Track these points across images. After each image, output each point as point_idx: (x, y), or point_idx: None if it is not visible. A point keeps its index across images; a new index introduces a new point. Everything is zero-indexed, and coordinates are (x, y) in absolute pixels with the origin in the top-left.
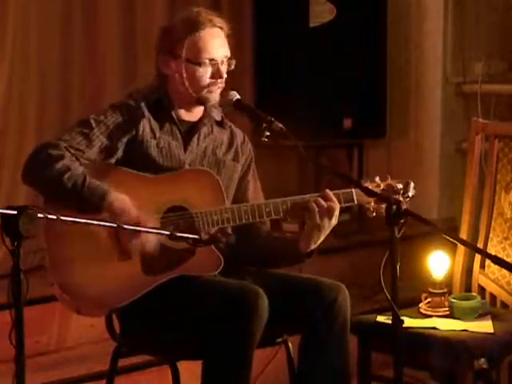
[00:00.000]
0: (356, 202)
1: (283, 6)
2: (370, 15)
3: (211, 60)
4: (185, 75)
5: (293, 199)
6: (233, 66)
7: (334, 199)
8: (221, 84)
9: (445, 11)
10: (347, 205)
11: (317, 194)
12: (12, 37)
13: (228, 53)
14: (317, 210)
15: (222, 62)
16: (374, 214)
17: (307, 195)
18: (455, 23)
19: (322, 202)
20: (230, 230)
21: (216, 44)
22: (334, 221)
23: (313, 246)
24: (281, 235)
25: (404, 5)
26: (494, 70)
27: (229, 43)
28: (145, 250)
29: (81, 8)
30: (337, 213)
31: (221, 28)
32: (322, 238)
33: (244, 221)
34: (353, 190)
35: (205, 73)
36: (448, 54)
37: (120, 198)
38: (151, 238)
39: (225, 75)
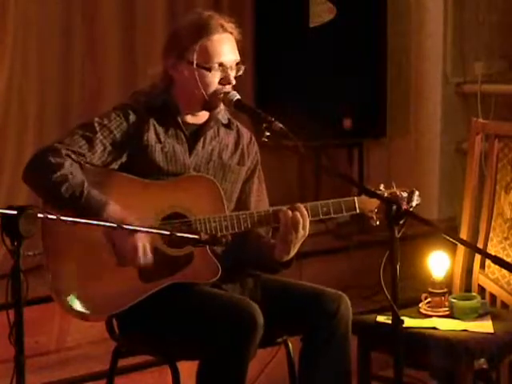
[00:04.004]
0: (358, 210)
1: (283, 7)
2: (370, 15)
3: (220, 64)
4: (195, 79)
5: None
6: (241, 72)
7: (303, 211)
8: (228, 90)
9: (445, 11)
10: (349, 213)
11: (287, 206)
12: (12, 37)
13: (237, 58)
14: (283, 221)
15: (231, 67)
16: (378, 223)
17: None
18: (455, 23)
19: (288, 214)
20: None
21: (226, 49)
22: (302, 233)
23: (285, 258)
24: (265, 241)
25: (404, 5)
26: (494, 69)
27: (238, 48)
28: (140, 262)
29: (81, 8)
30: (304, 224)
31: (231, 33)
32: (292, 250)
33: (243, 229)
34: (355, 198)
35: (214, 78)
36: (448, 54)
37: (117, 213)
38: (147, 250)
39: (233, 81)
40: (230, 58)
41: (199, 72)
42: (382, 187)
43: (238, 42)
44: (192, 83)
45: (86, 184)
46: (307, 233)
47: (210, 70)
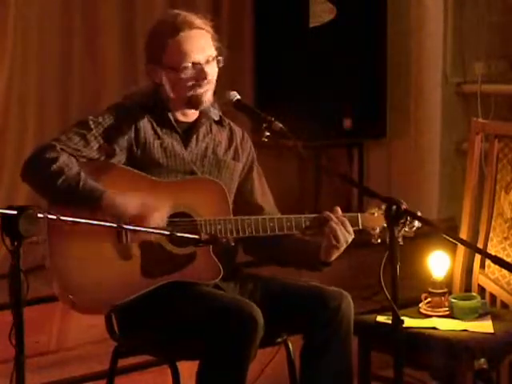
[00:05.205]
0: (361, 226)
1: (283, 6)
2: (370, 15)
3: (193, 64)
4: (169, 82)
5: (298, 217)
6: (221, 64)
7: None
8: (208, 85)
9: (445, 11)
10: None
11: (332, 213)
12: (12, 37)
13: (212, 52)
14: (338, 229)
15: (207, 61)
16: (379, 241)
17: (312, 215)
18: (455, 23)
19: (336, 218)
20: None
21: (196, 46)
22: (350, 236)
23: (331, 259)
24: (306, 240)
25: (404, 5)
26: (494, 69)
27: (214, 41)
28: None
29: (81, 8)
30: (349, 229)
31: (201, 28)
32: (339, 252)
33: (247, 233)
34: (358, 215)
35: (187, 77)
36: (448, 54)
37: (115, 201)
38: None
39: (210, 76)
40: (202, 55)
41: (172, 74)
42: (383, 207)
43: (212, 35)
44: (168, 86)
45: (82, 174)
46: (353, 235)
47: (181, 70)
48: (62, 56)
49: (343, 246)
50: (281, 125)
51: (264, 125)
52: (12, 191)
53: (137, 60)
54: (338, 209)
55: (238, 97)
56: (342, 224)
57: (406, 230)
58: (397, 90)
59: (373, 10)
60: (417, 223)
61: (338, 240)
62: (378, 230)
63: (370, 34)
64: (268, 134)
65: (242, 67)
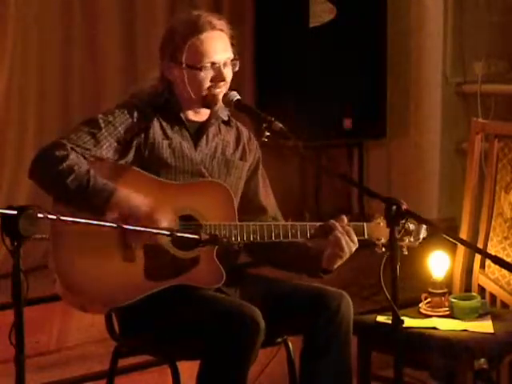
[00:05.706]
0: (366, 236)
1: (283, 7)
2: (370, 15)
3: (213, 64)
4: (186, 81)
5: (303, 224)
6: (237, 68)
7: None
8: (224, 87)
9: (445, 11)
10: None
11: (337, 222)
12: (12, 37)
13: (230, 55)
14: (343, 239)
15: (225, 64)
16: (384, 250)
17: (317, 223)
18: (455, 23)
19: (341, 227)
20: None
21: (217, 47)
22: (355, 246)
23: (334, 267)
24: (309, 246)
25: (404, 5)
26: (494, 69)
27: (232, 45)
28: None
29: (81, 8)
30: (354, 239)
31: (221, 30)
32: (341, 261)
33: (252, 239)
34: (364, 224)
35: (206, 76)
36: (448, 54)
37: (126, 198)
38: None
39: (228, 78)
40: (222, 56)
41: (190, 73)
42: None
43: (231, 38)
44: (185, 84)
45: (92, 172)
46: (357, 245)
47: (201, 69)
48: (62, 56)
49: (347, 256)
50: (281, 125)
51: (264, 125)
52: (12, 191)
53: (137, 60)
54: (344, 218)
55: (238, 97)
56: (347, 233)
57: (412, 240)
58: (397, 90)
59: (373, 10)
60: (422, 234)
61: (342, 249)
62: (383, 240)
63: (370, 33)
64: (268, 134)
65: (242, 67)
